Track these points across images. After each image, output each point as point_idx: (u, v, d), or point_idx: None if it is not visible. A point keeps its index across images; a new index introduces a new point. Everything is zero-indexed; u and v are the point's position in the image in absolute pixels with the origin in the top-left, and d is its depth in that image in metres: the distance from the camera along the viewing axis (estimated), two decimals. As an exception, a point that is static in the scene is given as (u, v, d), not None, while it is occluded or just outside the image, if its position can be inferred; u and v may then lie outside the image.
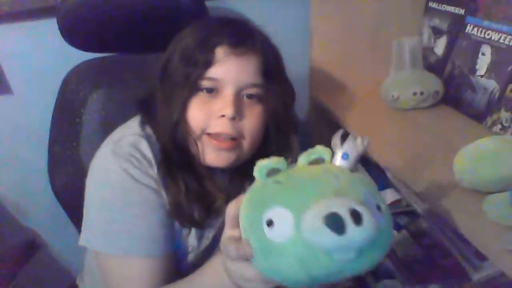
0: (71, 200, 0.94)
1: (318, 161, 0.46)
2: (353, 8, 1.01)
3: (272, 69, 0.67)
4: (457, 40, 0.94)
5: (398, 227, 0.98)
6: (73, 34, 0.98)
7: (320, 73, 1.06)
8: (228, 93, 0.63)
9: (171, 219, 0.65)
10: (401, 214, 0.99)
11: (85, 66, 1.01)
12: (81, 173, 0.75)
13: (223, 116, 0.63)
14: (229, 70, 0.63)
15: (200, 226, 0.68)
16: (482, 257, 0.71)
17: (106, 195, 0.64)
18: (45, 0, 1.02)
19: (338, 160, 0.46)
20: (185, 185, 0.65)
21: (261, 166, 0.44)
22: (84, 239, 0.65)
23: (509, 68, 0.81)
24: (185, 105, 0.64)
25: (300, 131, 0.76)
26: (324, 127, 1.07)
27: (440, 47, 1.00)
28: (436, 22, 1.01)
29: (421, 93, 0.91)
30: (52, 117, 0.97)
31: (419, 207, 0.84)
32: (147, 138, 0.67)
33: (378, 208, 0.42)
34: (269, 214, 0.41)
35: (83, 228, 0.66)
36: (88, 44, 1.00)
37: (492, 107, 0.83)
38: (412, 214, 0.98)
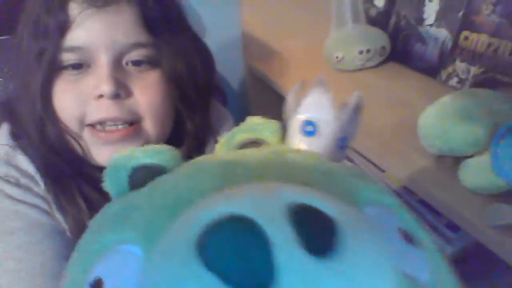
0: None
1: (257, 144, 0.30)
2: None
3: (160, 19, 0.51)
4: None
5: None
6: None
7: (254, 37, 0.93)
8: (101, 63, 0.47)
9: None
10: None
11: None
12: None
13: (101, 96, 0.48)
14: (93, 31, 0.47)
15: None
16: (455, 229, 0.64)
17: None
18: None
19: (297, 137, 0.28)
20: (85, 200, 0.49)
21: (111, 169, 0.28)
22: None
23: (460, 13, 0.72)
24: (47, 93, 0.48)
25: (235, 105, 0.62)
26: (264, 99, 0.95)
27: None
28: None
29: (368, 51, 0.81)
30: None
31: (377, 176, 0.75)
32: (23, 149, 0.51)
33: (410, 239, 0.21)
34: (96, 270, 0.21)
35: None
36: None
37: (446, 59, 0.75)
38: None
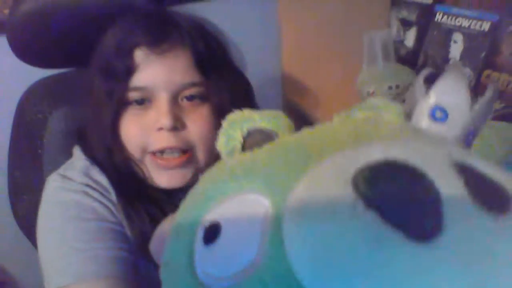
0: (36, 228, 0.89)
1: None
2: (320, 5, 1.00)
3: (209, 61, 0.58)
4: (427, 30, 0.94)
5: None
6: (26, 50, 0.92)
7: (293, 73, 1.04)
8: (161, 100, 0.55)
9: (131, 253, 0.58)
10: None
11: (41, 84, 0.96)
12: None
13: (161, 128, 0.55)
14: (155, 74, 0.55)
15: None
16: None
17: (58, 227, 0.56)
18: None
19: (424, 122, 0.26)
20: (147, 213, 0.57)
21: (227, 128, 0.29)
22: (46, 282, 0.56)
23: (483, 54, 0.80)
24: (115, 125, 0.56)
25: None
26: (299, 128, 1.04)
27: (410, 39, 1.00)
28: (404, 14, 1.01)
29: (397, 87, 0.90)
30: (10, 141, 0.91)
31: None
32: (98, 164, 0.59)
33: None
34: (213, 215, 0.22)
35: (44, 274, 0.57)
36: (44, 60, 0.94)
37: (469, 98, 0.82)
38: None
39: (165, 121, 0.54)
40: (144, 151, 0.57)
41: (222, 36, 0.64)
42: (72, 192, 0.58)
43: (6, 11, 0.95)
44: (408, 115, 0.27)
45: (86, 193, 0.57)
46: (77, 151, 0.64)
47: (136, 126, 0.56)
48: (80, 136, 0.64)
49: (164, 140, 0.55)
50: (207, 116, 0.58)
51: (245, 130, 0.29)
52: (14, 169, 0.92)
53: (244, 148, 0.29)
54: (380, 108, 0.28)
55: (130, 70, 0.54)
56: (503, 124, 0.63)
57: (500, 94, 0.76)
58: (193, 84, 0.57)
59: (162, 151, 0.56)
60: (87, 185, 0.58)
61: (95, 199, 0.57)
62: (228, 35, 0.86)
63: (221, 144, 0.30)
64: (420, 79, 0.29)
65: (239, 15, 1.06)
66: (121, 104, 0.55)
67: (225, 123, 0.30)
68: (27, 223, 0.86)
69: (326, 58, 1.03)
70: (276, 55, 1.03)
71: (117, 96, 0.55)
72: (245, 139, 0.29)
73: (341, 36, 1.03)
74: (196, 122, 0.57)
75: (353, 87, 0.95)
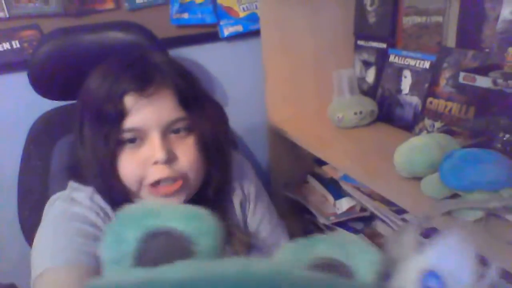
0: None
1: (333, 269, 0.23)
2: (297, 49, 1.18)
3: (191, 97, 0.64)
4: (383, 68, 1.14)
5: (355, 232, 1.11)
6: (44, 85, 1.04)
7: (276, 103, 1.20)
8: (153, 137, 0.60)
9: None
10: (357, 220, 1.12)
11: (52, 114, 1.07)
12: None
13: (156, 162, 0.60)
14: (145, 115, 0.59)
15: None
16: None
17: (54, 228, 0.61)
18: (17, 53, 1.10)
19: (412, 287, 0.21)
20: None
21: (123, 219, 0.23)
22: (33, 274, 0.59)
23: (426, 85, 1.00)
24: (112, 163, 0.61)
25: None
26: (282, 148, 1.21)
27: (370, 76, 1.20)
28: (365, 56, 1.21)
29: (360, 112, 1.08)
30: (21, 165, 1.02)
31: (370, 205, 0.98)
32: (100, 192, 0.65)
33: None
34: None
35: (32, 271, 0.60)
36: (58, 93, 1.07)
37: (417, 117, 1.02)
38: (366, 218, 1.12)
39: (160, 155, 0.59)
40: (141, 183, 0.62)
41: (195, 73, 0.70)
42: (78, 209, 0.63)
43: (30, 51, 1.09)
44: (387, 271, 0.21)
45: (93, 215, 0.63)
46: (74, 184, 0.68)
47: (132, 163, 0.61)
48: (75, 173, 0.68)
49: (159, 172, 0.60)
50: (193, 146, 0.64)
51: (144, 231, 0.20)
52: (24, 192, 1.02)
53: (140, 257, 0.20)
54: (353, 252, 0.22)
55: (122, 115, 0.59)
56: (441, 135, 0.81)
57: (440, 116, 0.96)
58: (179, 119, 0.62)
59: (158, 182, 0.61)
60: (92, 209, 0.64)
61: (97, 227, 0.62)
62: (217, 76, 1.04)
63: (105, 247, 0.21)
64: (413, 230, 0.23)
65: (230, 60, 1.25)
66: (117, 145, 0.60)
67: (116, 219, 0.22)
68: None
69: (303, 92, 1.22)
70: (262, 91, 1.19)
71: (112, 139, 0.60)
72: (144, 243, 0.20)
73: (315, 73, 1.22)
74: (185, 152, 0.63)
75: (325, 114, 1.13)
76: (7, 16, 1.05)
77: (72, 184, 0.68)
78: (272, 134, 1.19)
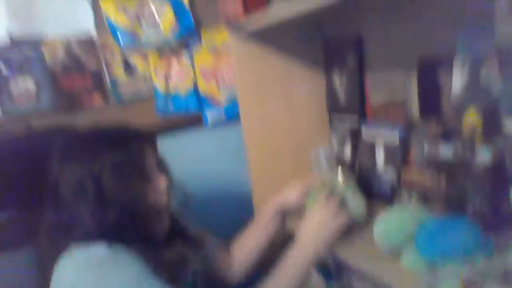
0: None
1: None
2: (276, 131, 1.26)
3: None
4: (357, 143, 1.19)
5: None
6: None
7: (260, 183, 1.25)
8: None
9: None
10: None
11: None
12: None
13: None
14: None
15: None
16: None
17: None
18: None
19: None
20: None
21: None
22: None
23: (398, 158, 1.06)
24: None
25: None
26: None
27: (347, 152, 1.25)
28: (340, 130, 1.27)
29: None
30: None
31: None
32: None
33: None
34: None
35: None
36: None
37: (394, 189, 1.06)
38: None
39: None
40: None
41: None
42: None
43: None
44: None
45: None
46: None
47: None
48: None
49: None
50: None
51: None
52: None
53: None
54: None
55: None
56: (419, 207, 0.86)
57: (415, 186, 1.00)
58: None
59: None
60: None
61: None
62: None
63: None
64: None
65: (215, 145, 1.34)
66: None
67: None
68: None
69: (283, 169, 1.27)
70: (245, 172, 1.25)
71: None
72: None
73: (293, 152, 1.29)
74: None
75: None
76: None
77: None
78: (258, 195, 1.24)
